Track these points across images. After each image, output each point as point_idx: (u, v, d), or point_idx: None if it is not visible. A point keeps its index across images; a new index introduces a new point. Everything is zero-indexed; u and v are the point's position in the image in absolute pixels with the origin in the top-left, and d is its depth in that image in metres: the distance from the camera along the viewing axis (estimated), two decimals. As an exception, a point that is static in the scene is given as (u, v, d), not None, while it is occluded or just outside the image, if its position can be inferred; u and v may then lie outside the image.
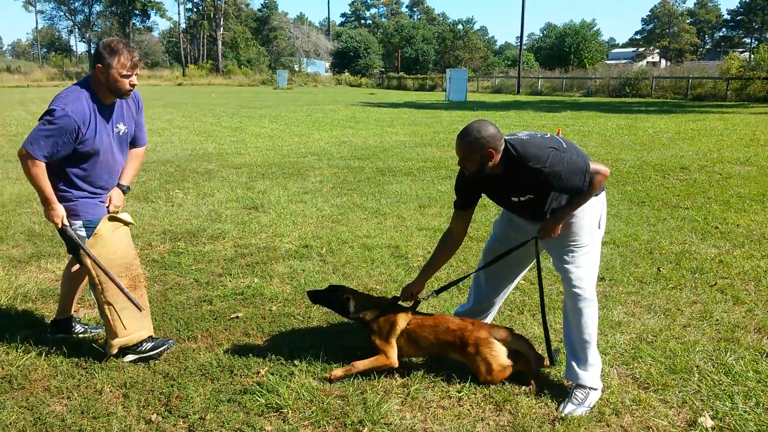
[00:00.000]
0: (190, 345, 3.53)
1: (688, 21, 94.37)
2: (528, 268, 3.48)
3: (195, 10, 72.14)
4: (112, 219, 3.26)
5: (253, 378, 3.15)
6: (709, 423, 2.74)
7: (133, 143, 3.46)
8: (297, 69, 62.63)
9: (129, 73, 3.08)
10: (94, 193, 3.25)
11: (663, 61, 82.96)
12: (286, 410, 2.85)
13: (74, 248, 3.21)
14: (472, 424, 2.76)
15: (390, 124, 17.77)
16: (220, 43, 65.67)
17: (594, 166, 2.88)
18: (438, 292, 3.43)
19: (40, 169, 3.00)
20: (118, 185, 3.40)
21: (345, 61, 66.58)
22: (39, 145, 2.96)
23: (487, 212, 6.55)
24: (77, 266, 3.49)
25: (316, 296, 3.42)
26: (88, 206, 3.21)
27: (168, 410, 2.87)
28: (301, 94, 37.82)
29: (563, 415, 2.81)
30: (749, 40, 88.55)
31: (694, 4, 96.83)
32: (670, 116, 20.22)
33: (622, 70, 40.74)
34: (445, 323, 3.14)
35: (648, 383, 3.09)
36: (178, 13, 71.59)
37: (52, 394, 3.01)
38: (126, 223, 3.32)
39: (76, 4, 68.83)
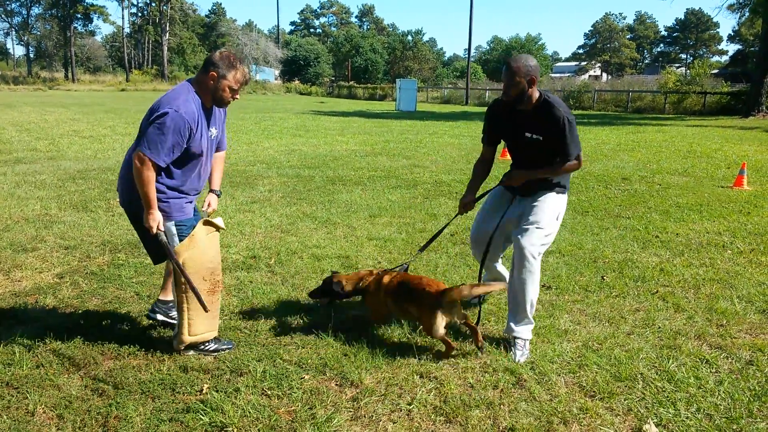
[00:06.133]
0: (130, 361, 3.37)
1: (628, 36, 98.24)
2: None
3: (140, 15, 70.42)
4: (207, 223, 3.37)
5: (196, 395, 3.03)
6: (654, 430, 2.79)
7: (217, 147, 3.57)
8: (246, 76, 61.81)
9: (237, 89, 3.24)
10: (186, 194, 3.35)
11: (604, 75, 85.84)
12: (231, 429, 2.75)
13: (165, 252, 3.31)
14: (422, 438, 2.73)
15: (340, 132, 17.73)
16: (165, 48, 64.20)
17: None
18: (421, 250, 4.14)
19: (153, 174, 3.09)
20: (212, 190, 3.65)
21: (295, 69, 66.25)
22: (158, 149, 3.05)
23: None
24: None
25: (314, 293, 3.95)
26: (179, 206, 3.32)
27: (106, 431, 2.73)
28: (249, 102, 37.32)
29: (519, 363, 3.32)
30: (685, 56, 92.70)
31: (634, 20, 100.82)
32: (611, 128, 20.90)
33: (566, 83, 42.00)
34: (408, 280, 3.59)
35: (594, 391, 3.14)
36: (122, 18, 69.49)
37: (-22, 417, 2.82)
38: (218, 228, 3.44)
39: (13, 5, 65.96)
